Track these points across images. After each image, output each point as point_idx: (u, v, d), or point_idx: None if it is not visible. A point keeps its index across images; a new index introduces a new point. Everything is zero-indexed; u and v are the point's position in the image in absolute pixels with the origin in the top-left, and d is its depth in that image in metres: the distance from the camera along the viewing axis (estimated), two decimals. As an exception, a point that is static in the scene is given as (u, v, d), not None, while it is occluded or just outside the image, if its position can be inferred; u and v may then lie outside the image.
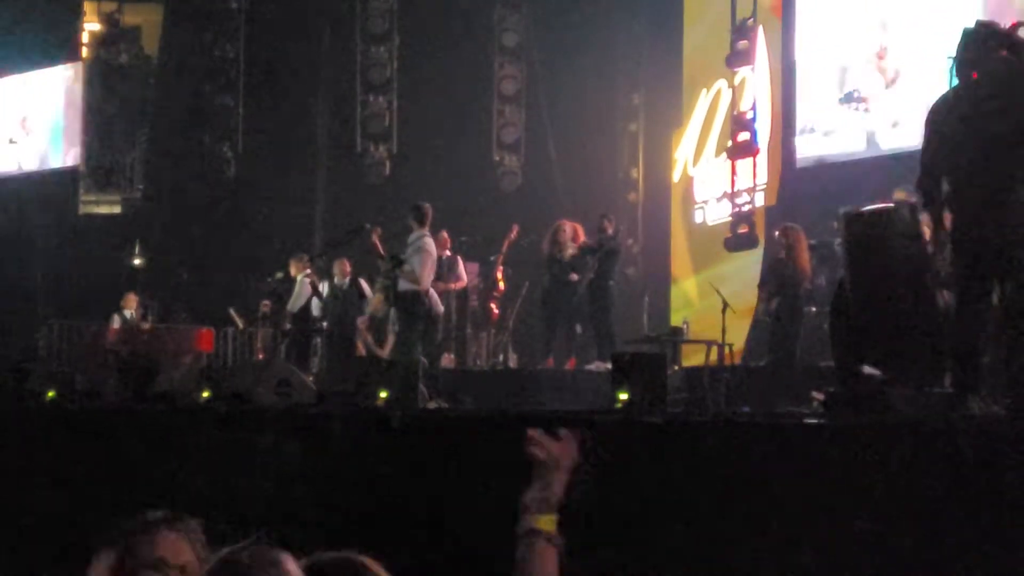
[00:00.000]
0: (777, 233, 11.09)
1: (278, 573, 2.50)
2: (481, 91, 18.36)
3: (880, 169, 12.27)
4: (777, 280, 10.86)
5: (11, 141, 21.92)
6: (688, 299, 16.28)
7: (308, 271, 13.45)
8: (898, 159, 12.30)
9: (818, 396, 7.34)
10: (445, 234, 13.28)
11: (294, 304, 13.61)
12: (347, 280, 13.72)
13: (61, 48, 20.96)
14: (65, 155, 21.09)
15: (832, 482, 5.58)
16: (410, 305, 11.59)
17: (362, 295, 13.44)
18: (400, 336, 11.81)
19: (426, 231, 11.76)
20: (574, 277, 12.85)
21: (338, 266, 13.74)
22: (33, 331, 17.38)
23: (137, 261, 19.36)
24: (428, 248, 11.71)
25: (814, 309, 10.86)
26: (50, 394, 10.73)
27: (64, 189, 20.48)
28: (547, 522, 2.93)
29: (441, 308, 12.52)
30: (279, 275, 13.61)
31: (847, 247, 7.31)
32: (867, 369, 6.27)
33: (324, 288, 13.51)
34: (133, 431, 8.42)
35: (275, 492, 7.00)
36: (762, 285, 11.71)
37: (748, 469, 5.84)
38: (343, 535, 2.62)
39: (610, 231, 13.22)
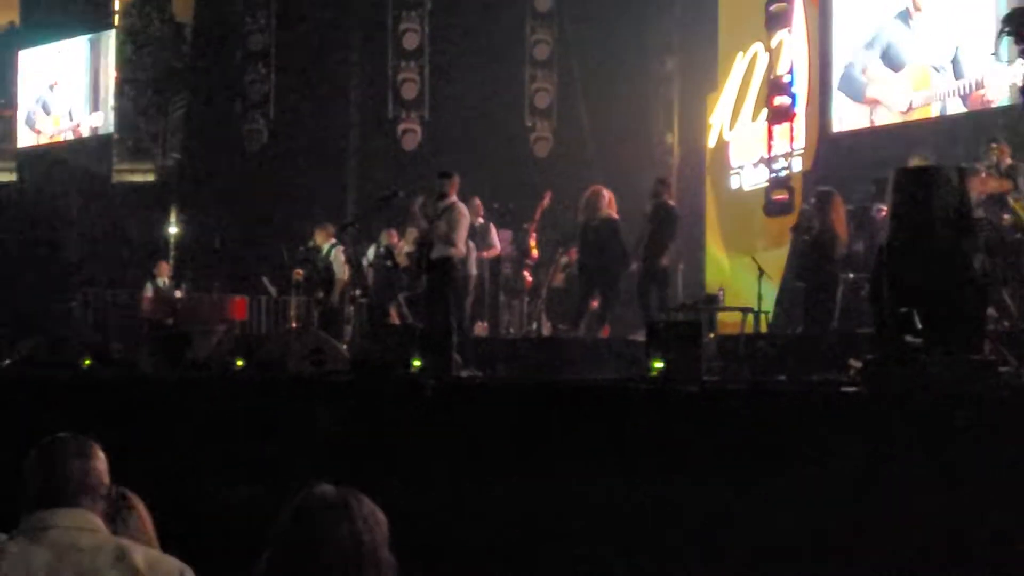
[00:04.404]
0: (813, 199, 10.88)
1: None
2: (513, 56, 18.24)
3: (916, 134, 12.10)
4: (813, 246, 10.65)
5: (45, 110, 22.02)
6: (723, 266, 16.15)
7: (334, 240, 13.37)
8: (936, 124, 12.14)
9: (855, 364, 7.24)
10: (478, 201, 13.15)
11: (341, 272, 13.36)
12: (383, 248, 13.67)
13: (93, 17, 20.97)
14: (98, 124, 21.15)
15: (868, 450, 5.51)
16: (443, 271, 11.50)
17: (394, 262, 13.39)
18: (432, 304, 11.71)
19: (455, 197, 11.67)
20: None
21: (385, 235, 13.77)
22: (67, 300, 17.46)
23: (170, 229, 19.43)
24: (462, 211, 11.62)
25: (851, 275, 10.69)
26: (87, 362, 10.81)
27: (98, 158, 20.56)
28: None
29: (474, 270, 12.40)
30: (310, 244, 13.58)
31: (893, 203, 7.21)
32: (908, 338, 6.15)
33: (368, 255, 13.44)
34: (167, 399, 8.45)
35: (307, 460, 6.99)
36: (795, 230, 11.56)
37: (784, 437, 5.79)
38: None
39: (665, 196, 12.68)
